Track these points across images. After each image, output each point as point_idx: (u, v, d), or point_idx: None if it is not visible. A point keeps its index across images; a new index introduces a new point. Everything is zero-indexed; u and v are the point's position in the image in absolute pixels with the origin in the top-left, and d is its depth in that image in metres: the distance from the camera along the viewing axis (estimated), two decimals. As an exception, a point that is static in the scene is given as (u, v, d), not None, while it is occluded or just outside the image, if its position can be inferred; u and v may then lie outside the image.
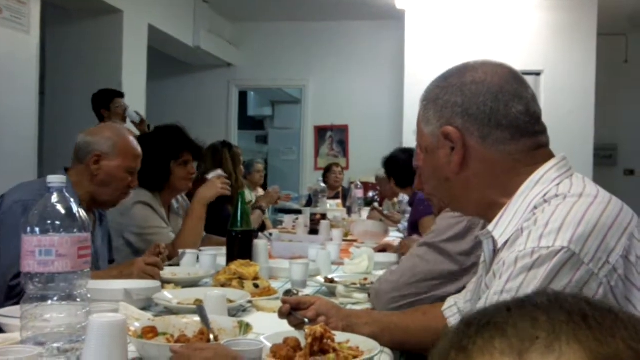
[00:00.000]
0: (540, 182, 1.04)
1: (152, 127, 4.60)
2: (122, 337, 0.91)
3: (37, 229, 1.11)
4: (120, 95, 4.79)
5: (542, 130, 1.10)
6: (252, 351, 1.11)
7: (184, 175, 2.80)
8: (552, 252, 0.89)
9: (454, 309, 1.41)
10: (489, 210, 1.09)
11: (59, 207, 1.14)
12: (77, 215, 1.16)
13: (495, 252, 1.07)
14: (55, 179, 1.16)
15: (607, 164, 7.59)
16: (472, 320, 0.46)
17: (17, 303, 1.85)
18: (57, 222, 1.12)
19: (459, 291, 1.70)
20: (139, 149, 2.24)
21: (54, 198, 1.15)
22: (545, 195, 1.01)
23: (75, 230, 1.14)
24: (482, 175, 1.09)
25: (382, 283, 1.78)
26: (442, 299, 1.70)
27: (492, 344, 0.43)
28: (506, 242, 1.01)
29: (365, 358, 1.23)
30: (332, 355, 1.25)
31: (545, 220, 0.94)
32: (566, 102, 6.46)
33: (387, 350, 1.39)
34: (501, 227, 1.04)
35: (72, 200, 1.17)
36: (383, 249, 3.05)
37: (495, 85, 1.08)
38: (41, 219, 1.12)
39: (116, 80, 5.12)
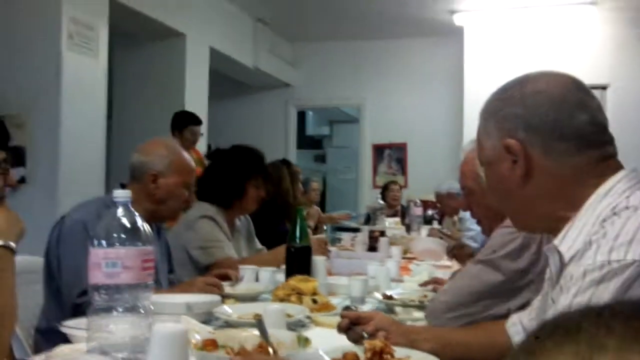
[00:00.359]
0: (609, 194, 1.00)
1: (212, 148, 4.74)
2: (184, 347, 0.93)
3: (103, 242, 1.15)
4: (197, 122, 4.91)
5: (610, 140, 1.07)
6: (311, 365, 1.10)
7: (256, 196, 2.88)
8: (623, 266, 0.85)
9: (518, 326, 1.37)
10: (554, 225, 1.05)
11: (124, 221, 1.17)
12: (142, 228, 1.19)
13: (562, 267, 1.03)
14: (121, 194, 1.19)
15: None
16: (545, 324, 0.45)
17: (84, 319, 1.93)
18: (123, 235, 1.16)
19: (517, 309, 1.66)
20: (192, 163, 2.29)
21: (120, 212, 1.18)
22: (614, 207, 0.97)
23: (139, 244, 1.17)
24: (546, 189, 1.06)
25: (435, 303, 1.73)
26: (498, 317, 1.66)
27: (561, 348, 0.41)
28: (573, 256, 0.97)
29: (426, 374, 1.21)
30: (392, 371, 1.23)
31: (616, 233, 0.90)
32: (634, 117, 6.24)
33: (448, 367, 1.36)
34: (568, 241, 1.01)
35: (136, 214, 1.21)
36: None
37: (557, 95, 1.05)
38: (108, 232, 1.16)
39: (179, 102, 5.27)
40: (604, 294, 0.85)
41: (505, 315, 1.65)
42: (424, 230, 5.20)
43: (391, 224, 4.92)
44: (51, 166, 3.71)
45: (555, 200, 1.06)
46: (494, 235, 1.73)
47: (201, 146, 5.43)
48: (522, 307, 1.64)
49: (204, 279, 2.11)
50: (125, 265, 1.14)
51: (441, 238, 4.37)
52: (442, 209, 5.47)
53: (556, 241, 1.03)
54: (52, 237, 2.09)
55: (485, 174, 1.17)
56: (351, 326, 1.44)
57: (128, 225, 1.18)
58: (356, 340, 1.42)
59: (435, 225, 6.03)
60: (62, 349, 1.37)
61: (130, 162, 2.21)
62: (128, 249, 1.15)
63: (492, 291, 1.65)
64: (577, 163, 1.03)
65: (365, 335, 1.39)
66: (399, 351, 1.30)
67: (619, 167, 1.05)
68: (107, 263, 1.14)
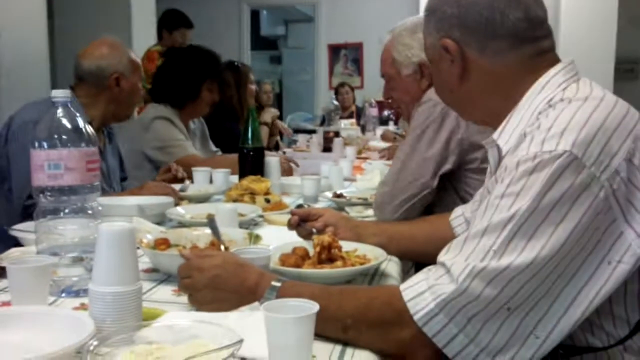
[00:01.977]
0: (546, 87, 1.02)
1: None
2: (131, 245, 0.94)
3: (45, 143, 1.13)
4: (189, 25, 4.65)
5: (546, 35, 1.07)
6: (259, 258, 1.13)
7: (209, 100, 2.86)
8: (554, 156, 0.88)
9: (460, 218, 1.43)
10: (495, 119, 1.08)
11: (65, 122, 1.15)
12: (84, 129, 1.17)
13: (500, 159, 1.07)
14: (60, 93, 1.16)
15: (629, 78, 7.41)
16: None
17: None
18: (65, 136, 1.13)
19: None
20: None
21: (60, 112, 1.15)
22: (550, 100, 0.99)
23: (82, 144, 1.15)
24: (484, 86, 1.08)
25: (379, 195, 1.76)
26: (430, 196, 1.69)
27: None
28: (510, 148, 1.00)
29: (372, 265, 1.26)
30: (339, 263, 1.28)
31: (549, 125, 0.93)
32: (587, 13, 6.24)
33: (394, 259, 1.42)
34: (505, 134, 1.03)
35: (77, 114, 1.18)
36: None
37: None
38: (49, 133, 1.13)
39: (125, 0, 5.02)
40: (535, 184, 0.88)
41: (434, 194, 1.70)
42: (379, 130, 5.25)
43: (346, 125, 4.94)
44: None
45: (493, 96, 1.08)
46: (415, 114, 1.75)
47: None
48: (451, 173, 1.69)
49: (155, 183, 2.11)
50: (68, 167, 1.13)
51: (394, 139, 4.43)
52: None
53: (495, 135, 1.06)
54: (0, 137, 2.04)
55: (431, 70, 1.18)
56: (301, 223, 1.48)
57: (69, 125, 1.15)
58: (306, 236, 1.46)
59: (391, 126, 6.09)
60: (13, 251, 1.37)
61: (80, 68, 2.15)
62: (70, 150, 1.13)
63: (423, 166, 1.67)
64: (512, 60, 1.05)
65: (314, 231, 1.43)
66: (347, 245, 1.35)
67: (555, 60, 1.06)
68: (50, 164, 1.12)
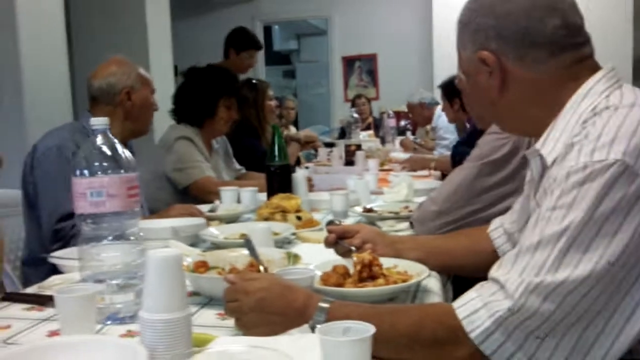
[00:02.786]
0: (589, 95, 1.01)
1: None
2: (180, 271, 0.93)
3: (86, 171, 1.13)
4: (259, 47, 4.52)
5: (585, 41, 1.06)
6: (304, 279, 1.13)
7: (226, 118, 2.86)
8: (605, 166, 0.87)
9: (500, 230, 1.41)
10: (537, 129, 1.06)
11: (105, 149, 1.15)
12: (123, 155, 1.17)
13: (544, 170, 1.05)
14: (99, 121, 1.16)
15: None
16: None
17: (64, 245, 1.94)
18: (105, 163, 1.14)
19: (504, 212, 1.70)
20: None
21: (99, 140, 1.16)
22: (594, 108, 0.98)
23: (122, 171, 1.16)
24: (524, 96, 1.07)
25: (424, 211, 1.77)
26: (487, 222, 1.70)
27: None
28: (555, 159, 0.99)
29: (415, 281, 1.24)
30: (381, 281, 1.27)
31: (597, 133, 0.91)
32: (603, 13, 6.20)
33: (434, 273, 1.40)
34: (549, 144, 1.02)
35: (115, 140, 1.18)
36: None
37: (526, 1, 1.04)
38: (89, 161, 1.14)
39: (141, 21, 5.07)
40: (588, 195, 0.87)
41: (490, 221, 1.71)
42: (398, 141, 5.24)
43: (365, 137, 4.94)
44: (14, 97, 3.59)
45: (534, 106, 1.07)
46: (482, 141, 1.75)
47: (167, 66, 5.30)
48: (508, 211, 1.69)
49: (181, 206, 2.12)
50: (110, 194, 1.13)
51: (415, 149, 4.41)
52: (414, 119, 5.47)
53: (537, 145, 1.05)
54: (26, 165, 2.07)
55: (467, 84, 1.16)
56: (338, 240, 1.47)
57: (109, 152, 1.16)
58: (344, 253, 1.45)
59: (409, 135, 6.08)
60: (54, 279, 1.38)
61: (92, 88, 2.18)
62: (111, 176, 1.13)
63: (481, 195, 1.68)
64: (552, 68, 1.03)
65: (353, 248, 1.43)
66: (385, 261, 1.34)
67: (596, 67, 1.05)
68: (92, 192, 1.13)
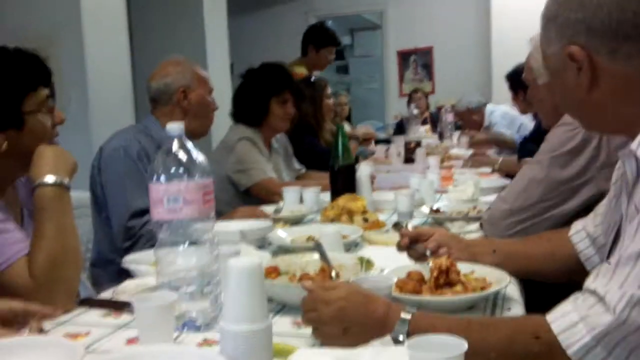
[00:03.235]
0: None
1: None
2: (261, 280, 0.92)
3: (162, 177, 1.13)
4: (338, 44, 4.48)
5: None
6: (382, 288, 1.09)
7: (282, 114, 2.82)
8: None
9: (582, 233, 1.34)
10: (630, 128, 1.00)
11: (181, 154, 1.14)
12: (198, 160, 1.16)
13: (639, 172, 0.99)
14: (175, 126, 1.16)
15: None
16: None
17: (135, 243, 1.96)
18: (181, 169, 1.13)
19: (578, 207, 1.64)
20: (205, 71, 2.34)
21: (175, 145, 1.15)
22: None
23: (197, 176, 1.15)
24: (616, 93, 1.00)
25: (494, 211, 1.73)
26: (560, 219, 1.65)
27: None
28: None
29: (495, 290, 1.20)
30: (459, 288, 1.22)
31: None
32: None
33: (513, 280, 1.35)
34: None
35: (191, 145, 1.18)
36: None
37: None
38: (165, 166, 1.13)
39: (199, 20, 5.12)
40: None
41: (565, 217, 1.64)
42: (456, 136, 5.14)
43: (421, 133, 4.85)
44: (80, 99, 3.67)
45: (627, 103, 1.00)
46: (551, 134, 1.70)
47: (224, 65, 5.33)
48: (582, 206, 1.63)
49: (246, 208, 2.13)
50: (186, 200, 1.12)
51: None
52: (465, 125, 5.34)
53: (633, 145, 0.98)
54: (94, 168, 2.11)
55: (551, 83, 1.11)
56: (412, 244, 1.43)
57: (184, 158, 1.15)
58: (418, 258, 1.42)
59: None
60: (128, 284, 1.39)
61: (151, 90, 2.21)
62: (187, 182, 1.13)
63: (553, 190, 1.63)
64: None
65: (428, 253, 1.38)
66: (462, 267, 1.29)
67: None
68: (169, 199, 1.12)
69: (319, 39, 4.37)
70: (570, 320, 0.85)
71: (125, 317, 1.23)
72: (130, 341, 1.12)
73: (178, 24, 5.02)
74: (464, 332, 0.90)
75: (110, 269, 1.99)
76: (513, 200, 1.68)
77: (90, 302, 1.34)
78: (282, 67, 2.94)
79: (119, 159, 2.04)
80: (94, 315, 1.27)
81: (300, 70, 4.29)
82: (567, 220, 1.67)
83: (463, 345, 0.78)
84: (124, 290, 1.36)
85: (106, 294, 1.41)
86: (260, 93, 2.80)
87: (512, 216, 1.67)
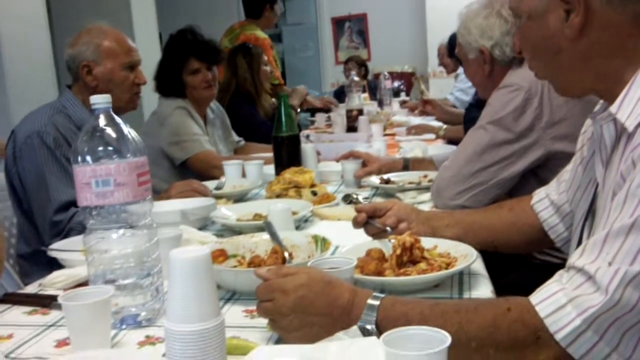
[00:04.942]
0: None
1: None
2: (210, 272, 0.80)
3: (88, 158, 0.98)
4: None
5: None
6: (344, 270, 1.00)
7: (198, 84, 2.62)
8: None
9: (545, 201, 1.28)
10: (608, 86, 0.91)
11: (110, 131, 1.00)
12: (130, 137, 1.02)
13: (619, 137, 0.91)
14: (100, 99, 1.01)
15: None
16: None
17: (65, 237, 1.77)
18: (110, 148, 0.99)
19: (525, 170, 1.59)
20: (126, 40, 2.02)
21: (102, 121, 1.01)
22: None
23: (129, 155, 1.01)
24: (604, 43, 0.90)
25: (440, 180, 1.66)
26: (509, 182, 1.59)
27: None
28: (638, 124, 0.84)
29: (463, 267, 1.12)
30: (423, 265, 1.14)
31: None
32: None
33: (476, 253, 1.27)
34: (627, 107, 0.87)
35: (120, 121, 1.03)
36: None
37: None
38: (91, 145, 0.99)
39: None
40: None
41: (514, 181, 1.59)
42: (395, 103, 5.08)
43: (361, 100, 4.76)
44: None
45: (612, 56, 0.90)
46: (492, 98, 1.67)
47: (152, 35, 5.07)
48: (529, 168, 1.58)
49: (182, 183, 1.94)
50: (118, 182, 0.99)
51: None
52: (443, 62, 5.27)
53: (612, 108, 0.89)
54: (8, 153, 1.88)
55: (523, 29, 1.00)
56: (369, 220, 1.33)
57: (114, 135, 1.01)
58: (375, 234, 1.32)
59: (403, 96, 5.91)
60: (57, 275, 1.23)
61: (65, 60, 1.98)
62: (119, 163, 0.99)
63: (499, 153, 1.59)
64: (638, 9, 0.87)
65: (389, 229, 1.29)
66: (424, 241, 1.21)
67: None
68: (97, 182, 0.98)
69: None
70: (557, 301, 0.77)
71: (54, 315, 1.09)
72: (60, 344, 0.98)
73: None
74: (439, 319, 0.82)
75: (41, 261, 1.78)
76: (459, 168, 1.62)
77: (13, 298, 1.18)
78: (182, 35, 2.67)
79: (33, 148, 1.79)
80: (17, 313, 1.12)
81: (263, 35, 4.16)
82: (517, 187, 1.63)
83: (446, 338, 0.69)
84: (52, 282, 1.21)
85: (32, 288, 1.25)
86: (168, 66, 2.63)
87: (459, 184, 1.61)
